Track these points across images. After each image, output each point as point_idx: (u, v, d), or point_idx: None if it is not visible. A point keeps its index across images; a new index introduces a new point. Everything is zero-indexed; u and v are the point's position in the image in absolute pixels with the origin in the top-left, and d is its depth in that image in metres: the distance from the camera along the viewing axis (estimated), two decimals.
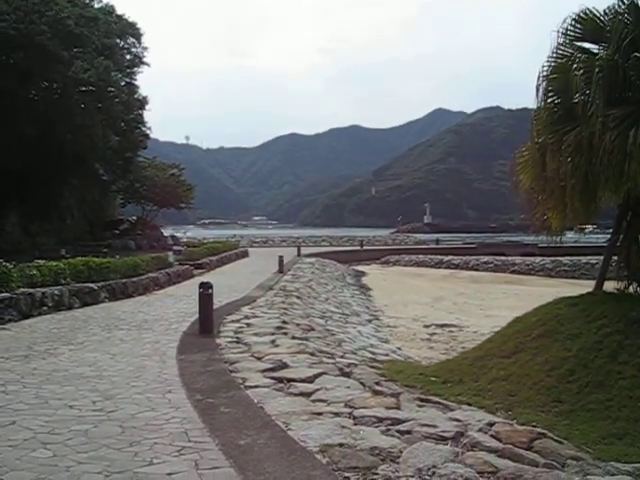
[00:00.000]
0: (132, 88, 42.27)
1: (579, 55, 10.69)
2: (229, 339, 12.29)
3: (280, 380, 8.64)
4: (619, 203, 11.19)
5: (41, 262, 17.46)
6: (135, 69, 43.74)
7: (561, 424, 7.55)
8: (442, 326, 21.88)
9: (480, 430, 6.44)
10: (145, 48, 44.63)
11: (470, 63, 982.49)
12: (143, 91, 45.08)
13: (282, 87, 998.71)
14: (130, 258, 23.39)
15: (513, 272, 47.19)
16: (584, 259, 44.71)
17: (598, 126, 9.45)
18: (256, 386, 8.28)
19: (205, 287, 13.37)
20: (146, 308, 17.52)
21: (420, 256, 57.99)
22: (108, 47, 36.89)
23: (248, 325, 14.27)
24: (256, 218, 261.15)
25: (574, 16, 10.83)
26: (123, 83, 39.64)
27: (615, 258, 11.45)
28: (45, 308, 15.88)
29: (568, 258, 46.13)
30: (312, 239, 80.00)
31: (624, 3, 10.43)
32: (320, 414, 6.91)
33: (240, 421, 6.66)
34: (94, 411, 7.11)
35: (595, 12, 10.80)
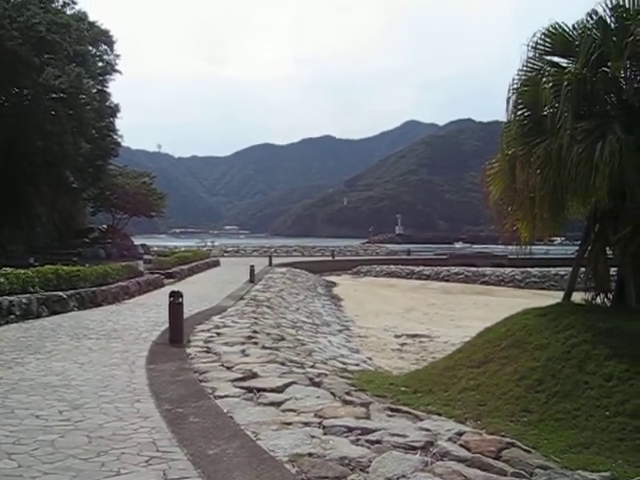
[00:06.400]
0: (104, 95, 42.08)
1: (548, 69, 10.86)
2: (199, 348, 12.23)
3: (250, 390, 8.60)
4: (586, 215, 11.35)
5: (9, 270, 17.22)
6: (107, 76, 43.62)
7: (529, 433, 7.61)
8: (413, 336, 21.96)
9: (449, 440, 6.47)
10: (117, 55, 44.56)
11: (442, 73, 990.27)
12: (115, 98, 45.01)
13: (256, 96, 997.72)
14: (100, 267, 23.20)
15: (483, 283, 47.51)
16: (553, 270, 45.16)
17: (566, 139, 9.59)
18: (226, 396, 8.23)
19: (175, 296, 13.29)
20: (116, 317, 17.36)
21: (391, 266, 58.20)
22: (80, 54, 36.68)
23: (218, 334, 14.21)
24: (228, 227, 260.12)
25: (544, 30, 10.99)
26: (95, 90, 39.34)
27: (583, 269, 11.59)
28: (12, 317, 15.67)
29: (537, 269, 46.57)
30: (284, 249, 79.77)
31: (592, 18, 10.60)
32: (290, 424, 6.89)
33: (209, 431, 6.63)
34: (61, 421, 7.02)
35: (564, 27, 10.96)
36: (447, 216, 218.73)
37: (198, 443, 6.21)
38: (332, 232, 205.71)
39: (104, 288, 21.33)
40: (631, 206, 9.77)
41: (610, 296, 11.00)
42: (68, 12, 39.04)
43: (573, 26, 10.90)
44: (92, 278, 20.99)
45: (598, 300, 11.08)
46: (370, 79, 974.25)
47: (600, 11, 10.52)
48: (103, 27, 43.62)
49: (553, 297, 12.94)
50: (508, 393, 8.73)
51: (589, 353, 8.65)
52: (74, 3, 39.97)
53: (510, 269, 48.69)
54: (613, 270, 11.14)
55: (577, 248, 11.87)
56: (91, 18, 42.43)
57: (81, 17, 40.64)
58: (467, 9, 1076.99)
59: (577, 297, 11.30)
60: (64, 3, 38.92)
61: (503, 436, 7.11)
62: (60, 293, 18.31)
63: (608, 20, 10.49)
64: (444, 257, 69.01)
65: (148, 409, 7.59)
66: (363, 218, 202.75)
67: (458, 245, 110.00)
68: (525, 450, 6.54)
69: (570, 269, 12.30)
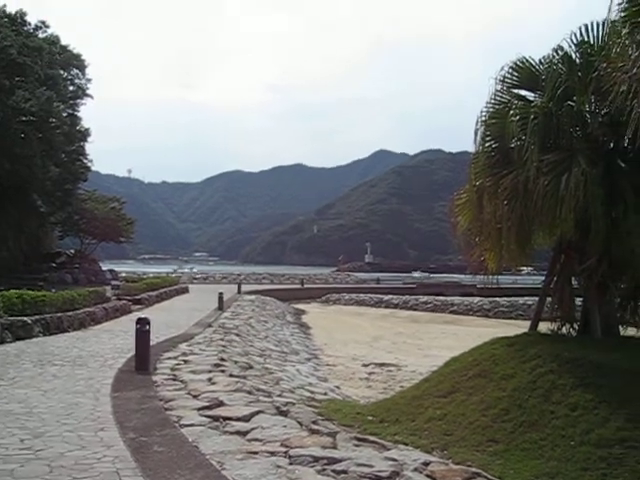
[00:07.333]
0: (74, 119, 41.94)
1: (515, 102, 11.06)
2: (165, 376, 12.10)
3: (216, 418, 8.53)
4: (553, 246, 11.50)
5: None
6: (78, 100, 43.50)
7: (496, 463, 7.61)
8: (381, 365, 21.95)
9: (415, 470, 6.46)
10: (89, 80, 44.56)
11: (415, 104, 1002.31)
12: (86, 122, 44.77)
13: (228, 122, 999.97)
14: (66, 292, 22.91)
15: (452, 312, 47.77)
16: (521, 300, 45.60)
17: (533, 171, 9.75)
18: (191, 424, 8.15)
19: (142, 323, 13.17)
20: (81, 343, 17.11)
21: (360, 295, 58.33)
22: (51, 77, 36.62)
23: (185, 362, 14.09)
24: (197, 254, 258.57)
25: (511, 64, 11.21)
26: (65, 114, 39.22)
27: (550, 299, 11.71)
28: None
29: (505, 299, 46.99)
30: (253, 276, 79.79)
31: (558, 54, 10.86)
32: (255, 453, 6.84)
33: (174, 460, 6.54)
34: (21, 450, 6.88)
35: (531, 61, 11.20)
36: (417, 245, 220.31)
37: (162, 473, 6.12)
38: (302, 260, 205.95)
39: (70, 314, 21.02)
40: (595, 238, 9.91)
41: (576, 326, 11.13)
42: (40, 35, 39.04)
43: (540, 61, 11.15)
44: (58, 303, 20.70)
45: (564, 330, 11.19)
46: (342, 108, 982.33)
47: (566, 47, 10.80)
48: (75, 51, 43.60)
49: (521, 327, 13.05)
50: (474, 423, 8.73)
51: (555, 383, 8.71)
52: (46, 27, 40.01)
53: (478, 298, 49.06)
54: (579, 300, 11.29)
55: (544, 278, 12.02)
56: (63, 42, 42.39)
57: (53, 41, 40.61)
58: (445, 43, 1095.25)
59: (544, 327, 11.41)
60: (36, 26, 38.93)
61: (469, 466, 7.11)
62: (25, 318, 18.00)
63: (573, 55, 10.76)
64: (413, 286, 69.35)
65: (112, 438, 7.48)
66: (333, 246, 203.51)
67: (416, 274, 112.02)
68: None
69: (537, 299, 12.43)
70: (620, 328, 11.19)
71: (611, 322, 10.86)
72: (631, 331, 11.38)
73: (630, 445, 7.25)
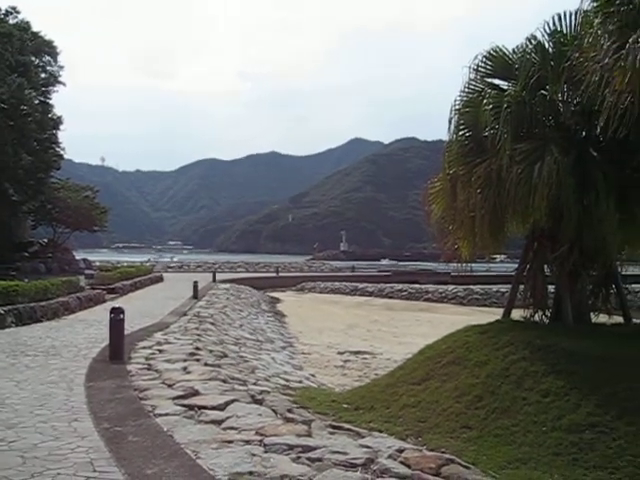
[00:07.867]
0: (46, 107, 41.30)
1: (489, 91, 11.10)
2: (140, 366, 12.04)
3: (191, 407, 8.51)
4: (526, 234, 11.60)
5: None
6: (50, 88, 42.81)
7: (469, 449, 7.69)
8: (356, 353, 22.03)
9: (390, 457, 6.50)
10: (61, 67, 43.79)
11: (390, 93, 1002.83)
12: (59, 110, 44.18)
13: (202, 110, 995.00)
14: (39, 281, 22.66)
15: (426, 300, 47.93)
16: (495, 287, 45.89)
17: (506, 160, 9.82)
18: (166, 414, 8.13)
19: (116, 312, 13.09)
20: (55, 333, 16.97)
21: (335, 283, 58.41)
22: (22, 64, 36.07)
23: (160, 351, 14.03)
24: (171, 243, 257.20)
25: (485, 53, 11.26)
26: (37, 102, 38.63)
27: (522, 287, 11.82)
28: None
29: (480, 286, 47.28)
30: (228, 265, 79.44)
31: (531, 43, 10.92)
32: (230, 442, 6.84)
33: (148, 450, 6.52)
34: None
35: (505, 50, 11.26)
36: (391, 233, 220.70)
37: (137, 463, 6.10)
38: (277, 248, 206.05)
39: (43, 304, 20.81)
40: (567, 225, 10.01)
41: (548, 313, 11.25)
42: (11, 21, 38.37)
43: (513, 50, 11.22)
44: (31, 293, 20.47)
45: (536, 317, 11.31)
46: (317, 97, 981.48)
47: (539, 36, 10.87)
48: (47, 38, 42.89)
49: (495, 314, 13.16)
50: (448, 410, 8.82)
51: (527, 370, 8.81)
52: (17, 12, 39.32)
53: (452, 286, 49.29)
54: (551, 288, 11.41)
55: (517, 266, 12.13)
56: (35, 28, 41.67)
57: (24, 27, 39.88)
58: (424, 32, 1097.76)
59: (517, 314, 11.52)
60: (7, 12, 38.28)
61: (443, 452, 7.18)
62: None
63: (546, 45, 10.83)
64: (388, 274, 69.55)
65: (86, 428, 7.43)
66: (308, 235, 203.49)
67: (385, 262, 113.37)
68: (464, 466, 6.61)
69: (510, 286, 12.54)
70: (592, 315, 11.35)
71: (583, 309, 11.01)
72: (602, 318, 11.56)
73: (600, 430, 7.37)
